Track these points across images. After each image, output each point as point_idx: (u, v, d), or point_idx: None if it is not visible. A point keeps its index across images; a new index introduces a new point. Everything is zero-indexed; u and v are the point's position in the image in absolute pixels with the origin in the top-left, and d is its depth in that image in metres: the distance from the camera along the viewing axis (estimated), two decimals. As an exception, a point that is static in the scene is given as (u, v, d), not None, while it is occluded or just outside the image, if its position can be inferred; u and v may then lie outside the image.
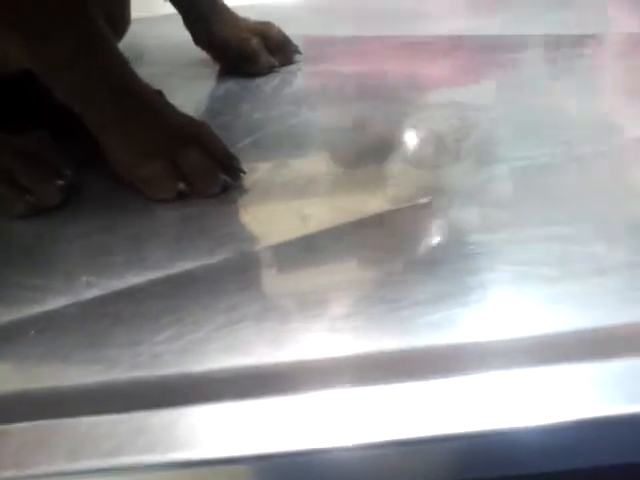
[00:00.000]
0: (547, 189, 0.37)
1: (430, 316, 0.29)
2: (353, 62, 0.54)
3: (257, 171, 0.41)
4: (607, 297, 0.29)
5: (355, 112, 0.47)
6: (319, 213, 0.37)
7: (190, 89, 0.53)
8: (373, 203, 0.37)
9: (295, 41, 0.54)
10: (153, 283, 0.33)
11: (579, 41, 0.54)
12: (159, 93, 0.45)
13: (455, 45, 0.56)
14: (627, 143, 0.42)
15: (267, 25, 0.53)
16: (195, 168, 0.38)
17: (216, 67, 0.54)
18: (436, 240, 0.35)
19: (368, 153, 0.42)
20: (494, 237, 0.34)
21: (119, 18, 0.54)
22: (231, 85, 0.52)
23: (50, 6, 0.36)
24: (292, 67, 0.54)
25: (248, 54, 0.51)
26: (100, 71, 0.39)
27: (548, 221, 0.34)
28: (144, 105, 0.40)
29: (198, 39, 0.52)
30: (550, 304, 0.29)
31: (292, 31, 0.55)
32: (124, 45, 0.54)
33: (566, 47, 0.54)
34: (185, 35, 0.54)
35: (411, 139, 0.45)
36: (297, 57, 0.54)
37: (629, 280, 0.30)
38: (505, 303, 0.29)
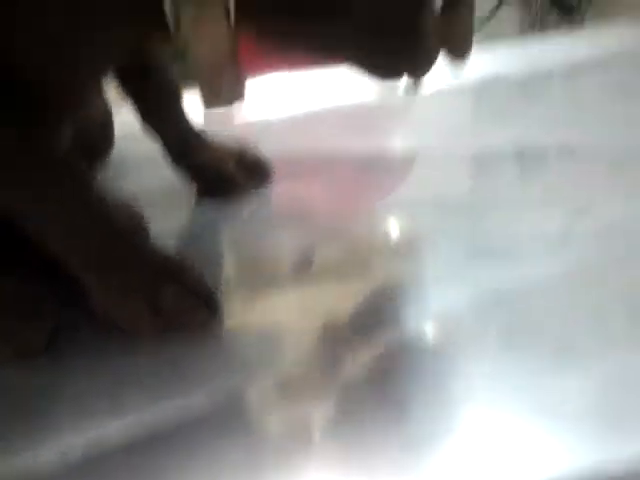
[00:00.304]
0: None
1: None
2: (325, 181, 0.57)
3: (236, 303, 0.43)
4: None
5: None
6: (296, 345, 0.39)
7: (169, 211, 0.55)
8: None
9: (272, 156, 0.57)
10: (131, 433, 0.33)
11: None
12: (141, 217, 0.47)
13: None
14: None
15: (242, 147, 0.56)
16: (175, 305, 0.40)
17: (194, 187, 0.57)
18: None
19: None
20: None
21: (102, 138, 0.57)
22: (208, 208, 0.54)
23: (14, 155, 0.37)
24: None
25: (225, 178, 0.54)
26: (75, 213, 0.39)
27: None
28: (123, 244, 0.41)
29: (176, 163, 0.55)
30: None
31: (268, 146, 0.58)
32: (110, 160, 0.58)
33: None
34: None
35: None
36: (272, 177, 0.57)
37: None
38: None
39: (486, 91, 0.70)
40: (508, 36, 1.84)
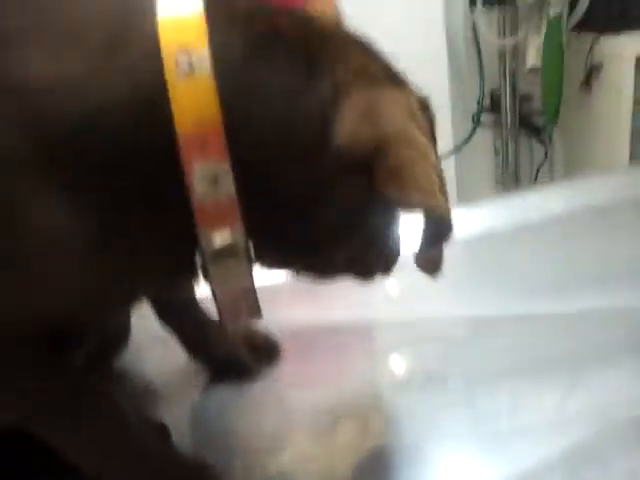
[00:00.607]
0: None
1: None
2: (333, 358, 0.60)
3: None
4: None
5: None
6: None
7: (185, 396, 0.57)
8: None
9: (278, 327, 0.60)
10: None
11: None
12: (162, 427, 0.49)
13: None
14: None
15: (253, 330, 0.59)
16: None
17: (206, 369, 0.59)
18: None
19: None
20: None
21: (121, 333, 0.60)
22: (222, 392, 0.57)
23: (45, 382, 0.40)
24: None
25: (238, 365, 0.57)
26: (104, 434, 0.42)
27: None
28: (150, 458, 0.43)
29: (191, 352, 0.58)
30: None
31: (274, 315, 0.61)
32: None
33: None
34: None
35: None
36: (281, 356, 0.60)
37: None
38: None
39: (472, 249, 0.76)
40: (483, 156, 1.98)
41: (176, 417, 0.54)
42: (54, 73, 0.31)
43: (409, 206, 0.35)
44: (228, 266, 0.36)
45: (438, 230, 0.37)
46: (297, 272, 0.43)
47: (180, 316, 0.56)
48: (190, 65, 0.31)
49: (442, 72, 1.71)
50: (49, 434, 0.40)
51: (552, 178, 1.97)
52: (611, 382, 0.52)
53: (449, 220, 0.36)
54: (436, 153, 0.38)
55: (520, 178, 1.91)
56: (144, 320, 0.62)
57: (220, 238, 0.34)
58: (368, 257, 0.42)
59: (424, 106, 0.38)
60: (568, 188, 0.87)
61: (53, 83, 0.31)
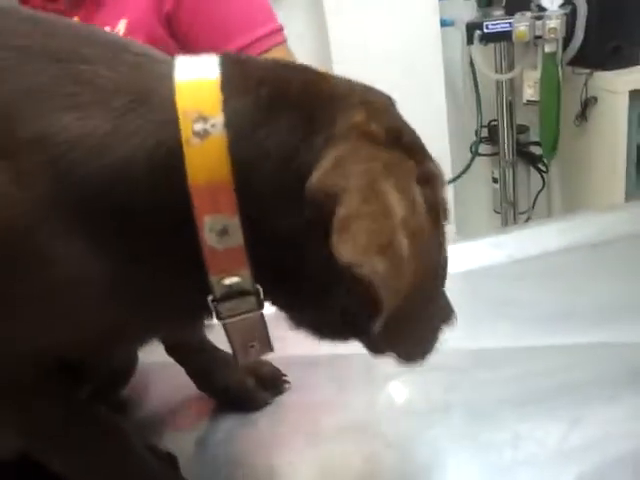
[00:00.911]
0: None
1: None
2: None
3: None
4: None
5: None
6: None
7: (192, 425, 0.58)
8: None
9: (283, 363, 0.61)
10: None
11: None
12: (170, 456, 0.50)
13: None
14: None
15: (259, 362, 0.61)
16: None
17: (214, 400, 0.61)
18: None
19: None
20: None
21: (130, 358, 0.61)
22: (228, 421, 0.58)
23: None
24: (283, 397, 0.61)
25: (245, 395, 0.58)
26: (101, 457, 0.43)
27: None
28: None
29: (197, 382, 0.59)
30: None
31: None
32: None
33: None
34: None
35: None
36: (287, 386, 0.61)
37: None
38: None
39: (471, 282, 0.78)
40: (481, 185, 2.01)
41: (182, 447, 0.55)
42: (79, 130, 0.33)
43: (340, 258, 0.32)
44: (239, 308, 0.38)
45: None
46: (312, 328, 0.42)
47: (187, 347, 0.57)
48: (205, 131, 0.34)
49: (441, 104, 1.75)
50: (52, 462, 0.41)
51: (549, 206, 2.00)
52: (611, 416, 0.53)
53: (381, 285, 0.32)
54: (437, 228, 0.36)
55: (518, 206, 1.94)
56: (151, 349, 0.63)
57: (230, 283, 0.36)
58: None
59: (430, 178, 0.37)
60: (565, 223, 0.90)
61: (78, 139, 0.33)
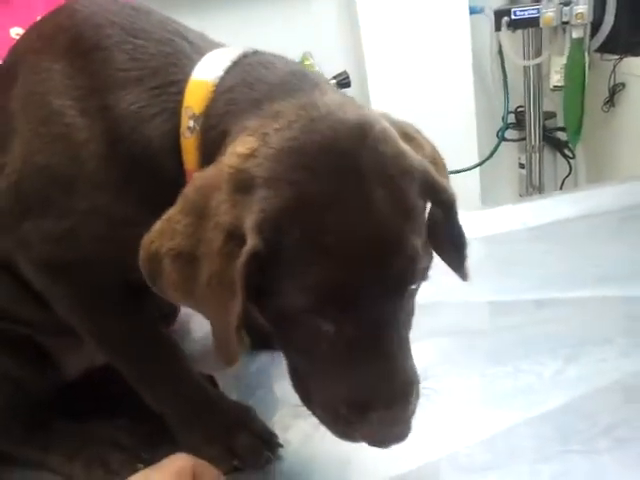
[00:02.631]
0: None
1: None
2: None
3: (292, 442, 0.53)
4: None
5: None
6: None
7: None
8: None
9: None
10: None
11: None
12: (210, 377, 0.58)
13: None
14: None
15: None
16: (246, 449, 0.50)
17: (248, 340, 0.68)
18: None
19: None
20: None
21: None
22: (263, 360, 0.65)
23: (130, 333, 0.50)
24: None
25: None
26: (168, 377, 0.51)
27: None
28: (202, 401, 0.52)
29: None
30: None
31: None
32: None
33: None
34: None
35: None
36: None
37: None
38: None
39: (500, 244, 0.84)
40: (508, 170, 2.05)
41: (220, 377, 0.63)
42: (126, 106, 0.43)
43: None
44: None
45: None
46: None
47: None
48: (194, 127, 0.42)
49: (469, 90, 1.79)
50: (123, 365, 0.51)
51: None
52: (604, 355, 0.59)
53: None
54: None
55: (544, 192, 1.97)
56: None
57: None
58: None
59: None
60: (576, 195, 0.95)
61: (125, 113, 0.43)
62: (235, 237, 0.36)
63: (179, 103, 0.43)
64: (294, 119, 0.37)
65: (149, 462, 0.50)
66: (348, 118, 0.38)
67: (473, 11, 1.79)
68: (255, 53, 0.45)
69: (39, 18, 0.50)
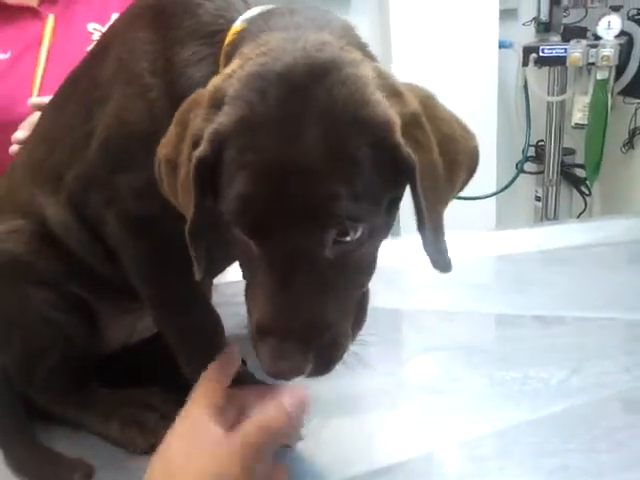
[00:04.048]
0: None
1: None
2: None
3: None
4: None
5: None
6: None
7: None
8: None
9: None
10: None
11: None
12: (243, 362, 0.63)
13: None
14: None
15: None
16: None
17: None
18: None
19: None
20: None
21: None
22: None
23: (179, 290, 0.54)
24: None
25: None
26: (203, 344, 0.56)
27: None
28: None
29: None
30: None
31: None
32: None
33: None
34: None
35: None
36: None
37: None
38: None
39: (509, 265, 0.88)
40: (524, 202, 2.09)
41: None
42: (181, 59, 0.48)
43: None
44: None
45: None
46: None
47: None
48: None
49: (492, 121, 1.85)
50: (170, 324, 0.55)
51: (589, 230, 2.06)
52: (606, 369, 0.63)
53: None
54: None
55: (558, 226, 2.01)
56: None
57: None
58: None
59: None
60: (588, 224, 1.00)
61: (180, 66, 0.48)
62: (198, 146, 0.41)
63: (221, 48, 0.47)
64: (272, 48, 0.41)
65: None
66: (317, 56, 0.40)
67: (502, 45, 1.85)
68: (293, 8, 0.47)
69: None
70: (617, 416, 0.57)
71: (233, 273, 0.76)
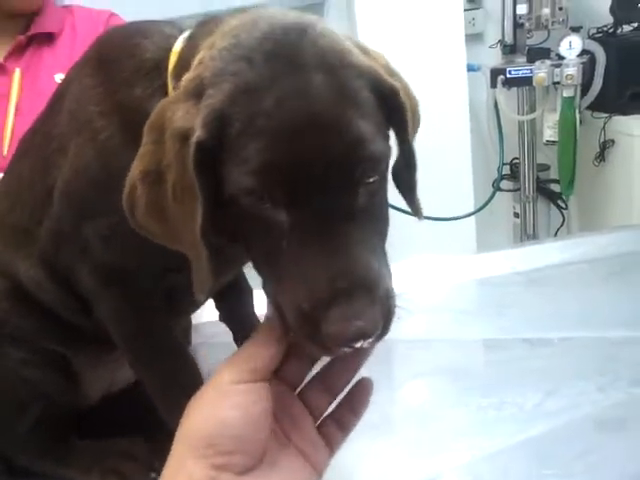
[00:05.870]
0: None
1: None
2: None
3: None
4: None
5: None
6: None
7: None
8: None
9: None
10: None
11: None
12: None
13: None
14: None
15: None
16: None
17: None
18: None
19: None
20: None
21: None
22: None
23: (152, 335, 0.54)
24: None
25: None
26: (181, 390, 0.55)
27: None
28: None
29: (237, 343, 0.72)
30: None
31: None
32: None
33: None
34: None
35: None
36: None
37: None
38: None
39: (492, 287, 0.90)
40: (503, 220, 2.12)
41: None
42: (134, 96, 0.49)
43: None
44: None
45: None
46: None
47: (234, 311, 0.69)
48: (173, 83, 0.46)
49: (465, 143, 1.88)
50: (147, 372, 0.55)
51: (569, 243, 2.09)
52: (581, 390, 0.64)
53: None
54: None
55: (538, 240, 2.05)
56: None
57: None
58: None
59: None
60: (563, 242, 1.02)
61: (133, 103, 0.49)
62: (187, 139, 0.38)
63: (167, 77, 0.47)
64: (237, 24, 0.41)
65: (162, 471, 0.55)
66: (288, 19, 0.40)
67: (470, 69, 1.90)
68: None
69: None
70: (591, 436, 0.58)
71: (210, 313, 0.78)
